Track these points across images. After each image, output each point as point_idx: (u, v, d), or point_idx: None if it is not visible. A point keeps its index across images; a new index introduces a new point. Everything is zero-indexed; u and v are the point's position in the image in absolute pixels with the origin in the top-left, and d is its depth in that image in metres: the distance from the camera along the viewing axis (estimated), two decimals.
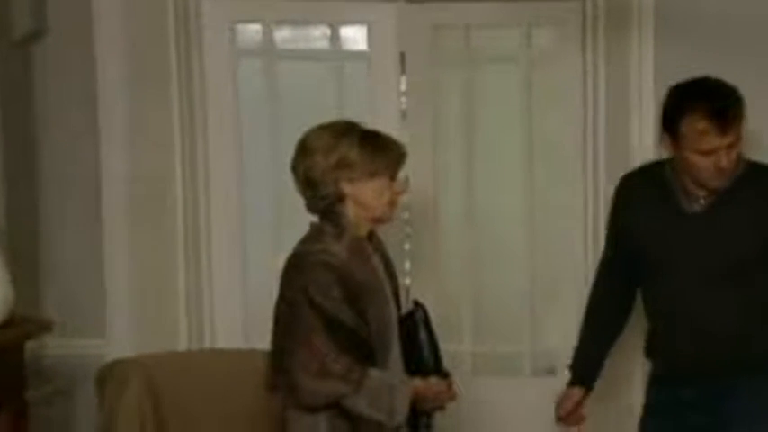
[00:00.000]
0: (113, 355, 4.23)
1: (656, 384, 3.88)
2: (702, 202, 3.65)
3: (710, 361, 3.65)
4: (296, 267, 3.41)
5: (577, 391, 3.90)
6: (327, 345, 3.30)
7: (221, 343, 4.59)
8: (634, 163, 4.43)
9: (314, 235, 3.45)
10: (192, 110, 4.54)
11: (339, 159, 3.39)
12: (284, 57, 4.75)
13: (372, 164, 3.39)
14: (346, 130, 3.43)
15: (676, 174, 3.67)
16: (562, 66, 4.61)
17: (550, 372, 4.67)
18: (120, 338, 4.47)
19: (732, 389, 3.64)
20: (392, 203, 3.47)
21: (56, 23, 4.55)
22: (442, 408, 3.54)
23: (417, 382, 3.44)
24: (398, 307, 3.56)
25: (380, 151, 3.42)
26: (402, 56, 4.65)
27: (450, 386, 3.52)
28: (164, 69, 4.48)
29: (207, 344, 4.60)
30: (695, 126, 3.52)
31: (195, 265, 4.57)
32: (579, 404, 3.91)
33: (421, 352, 3.51)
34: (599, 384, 3.96)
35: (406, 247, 4.69)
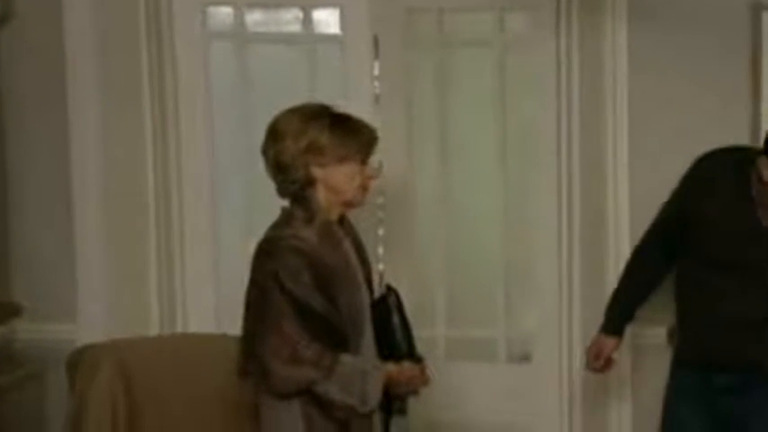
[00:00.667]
0: (84, 339, 4.20)
1: (685, 368, 3.91)
2: None
3: (750, 350, 3.69)
4: (266, 252, 3.39)
5: (613, 341, 4.06)
6: (298, 331, 3.29)
7: (193, 328, 4.57)
8: (607, 147, 4.44)
9: (284, 220, 3.43)
10: (162, 93, 4.51)
11: (309, 143, 3.37)
12: (256, 40, 4.72)
13: (343, 148, 3.37)
14: (316, 114, 3.41)
15: (761, 183, 3.71)
16: (536, 50, 4.60)
17: (525, 358, 4.67)
18: (92, 323, 4.44)
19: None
20: (363, 188, 3.45)
21: (23, 7, 4.50)
22: (415, 392, 3.53)
23: (390, 367, 3.43)
24: (371, 292, 3.55)
25: (351, 135, 3.40)
26: (375, 39, 4.63)
27: (423, 371, 3.51)
28: (134, 52, 4.44)
29: (179, 329, 4.57)
30: None
31: (167, 249, 4.55)
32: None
33: (394, 336, 3.50)
34: None
35: (380, 232, 4.67)
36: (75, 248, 4.51)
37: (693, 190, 3.92)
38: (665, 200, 4.12)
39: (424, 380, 3.52)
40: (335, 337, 3.36)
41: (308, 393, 3.34)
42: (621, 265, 4.36)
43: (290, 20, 4.77)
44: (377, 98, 4.63)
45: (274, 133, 3.43)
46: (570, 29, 4.51)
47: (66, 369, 3.96)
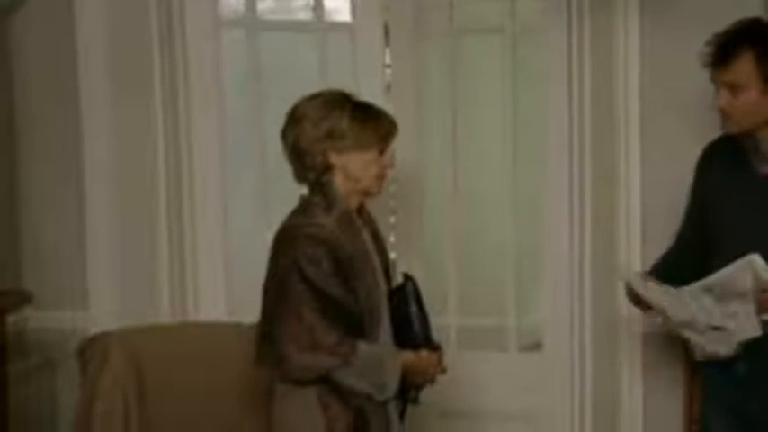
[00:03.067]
0: (95, 328, 4.21)
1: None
2: None
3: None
4: (286, 241, 3.38)
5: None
6: (317, 318, 3.28)
7: (204, 316, 4.57)
8: (619, 135, 4.43)
9: (303, 208, 3.43)
10: (174, 81, 4.50)
11: (329, 129, 3.36)
12: (267, 27, 4.72)
13: (362, 136, 3.37)
14: (338, 100, 3.40)
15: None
16: (547, 39, 4.57)
17: (536, 347, 4.66)
18: (102, 311, 4.45)
19: None
20: (380, 177, 3.45)
21: None
22: (432, 381, 3.52)
23: (408, 356, 3.43)
24: (389, 282, 3.55)
25: (371, 123, 3.39)
26: (386, 27, 4.62)
27: (440, 359, 3.50)
28: (146, 39, 4.44)
29: (190, 317, 4.57)
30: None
31: (178, 238, 4.54)
32: None
33: (411, 325, 3.49)
34: None
35: (392, 220, 4.67)
36: (86, 237, 4.51)
37: (695, 180, 3.86)
38: (677, 191, 4.09)
39: (441, 368, 3.51)
40: (353, 324, 3.35)
41: (325, 381, 3.34)
42: (632, 254, 4.35)
43: (300, 7, 4.78)
44: (388, 86, 4.62)
45: (294, 117, 3.42)
46: (581, 17, 4.49)
47: (77, 357, 3.96)
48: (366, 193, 3.46)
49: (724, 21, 4.19)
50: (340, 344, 3.30)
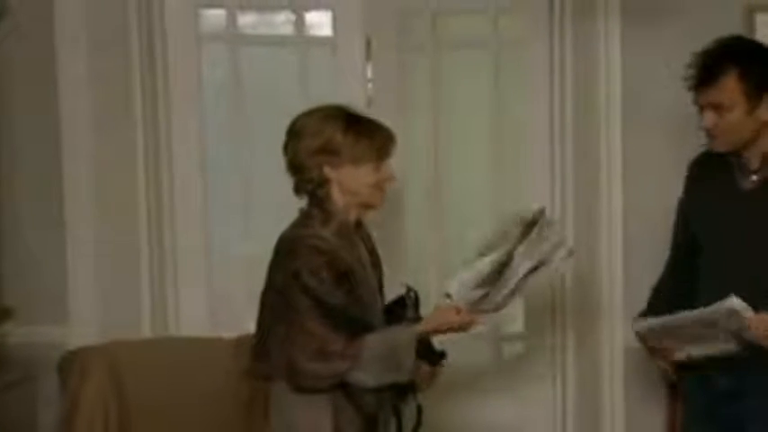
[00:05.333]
0: (76, 342, 4.18)
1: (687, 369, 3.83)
2: (755, 178, 3.57)
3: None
4: (286, 252, 3.38)
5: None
6: (322, 327, 3.29)
7: (185, 330, 4.56)
8: (600, 149, 4.44)
9: (302, 220, 3.44)
10: (154, 95, 4.50)
11: (323, 144, 3.37)
12: (248, 42, 4.72)
13: (355, 150, 3.38)
14: (332, 115, 3.41)
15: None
16: (529, 53, 4.61)
17: (518, 357, 4.67)
18: (83, 326, 4.43)
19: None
20: (378, 190, 3.45)
21: (16, 6, 4.48)
22: (464, 329, 3.43)
23: (419, 327, 3.39)
24: (382, 298, 3.55)
25: (365, 137, 3.39)
26: (367, 41, 4.62)
27: (458, 310, 3.39)
28: (126, 54, 4.43)
29: (171, 331, 4.56)
30: None
31: (159, 251, 4.53)
32: None
33: None
34: None
35: (374, 233, 4.66)
36: (67, 251, 4.49)
37: (683, 195, 3.85)
38: (658, 203, 4.09)
39: (466, 320, 3.40)
40: (359, 329, 3.34)
41: (338, 388, 3.34)
42: (614, 268, 4.37)
43: (282, 22, 4.77)
44: (369, 101, 4.62)
45: (292, 133, 3.45)
46: (563, 31, 4.52)
47: (58, 372, 3.94)
48: (366, 206, 3.47)
49: (705, 33, 4.21)
50: (347, 346, 3.29)
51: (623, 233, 4.42)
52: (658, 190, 4.15)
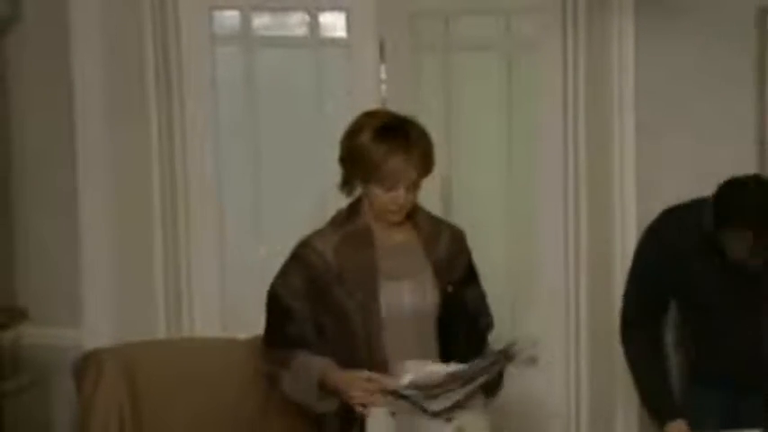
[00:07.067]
0: (90, 344, 4.18)
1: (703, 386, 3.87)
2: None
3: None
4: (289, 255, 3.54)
5: (683, 425, 3.81)
6: (270, 324, 3.52)
7: (199, 332, 4.56)
8: (614, 150, 4.43)
9: (328, 222, 3.54)
10: (169, 97, 4.50)
11: (344, 152, 3.46)
12: (262, 43, 4.71)
13: (363, 169, 3.41)
14: (362, 128, 3.43)
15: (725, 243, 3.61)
16: (542, 53, 4.59)
17: (531, 361, 4.65)
18: (97, 328, 4.44)
19: None
20: (385, 211, 3.47)
21: (30, 10, 4.50)
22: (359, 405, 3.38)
23: (330, 374, 3.42)
24: (444, 287, 3.54)
25: (374, 162, 3.40)
26: (381, 43, 4.62)
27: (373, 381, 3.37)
28: (141, 55, 4.44)
29: (185, 333, 4.56)
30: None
31: (173, 253, 4.54)
32: None
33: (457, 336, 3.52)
34: None
35: None
36: (81, 253, 4.50)
37: (660, 264, 3.84)
38: (671, 202, 4.07)
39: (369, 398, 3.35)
40: (305, 340, 3.47)
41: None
42: (628, 267, 4.36)
43: (296, 23, 4.77)
44: (383, 102, 4.62)
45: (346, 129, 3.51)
46: (577, 31, 4.50)
47: (72, 374, 3.94)
48: (378, 218, 3.51)
49: (718, 32, 4.22)
50: (280, 351, 3.47)
51: (637, 232, 4.40)
52: (674, 188, 4.14)
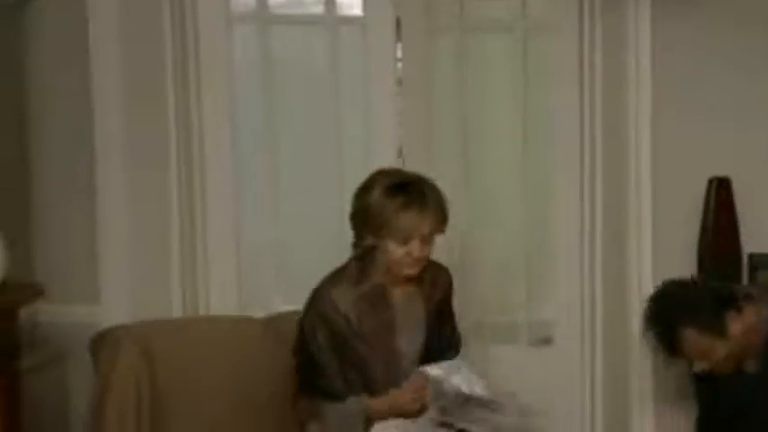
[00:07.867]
0: (107, 321, 4.20)
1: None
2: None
3: None
4: (309, 305, 3.66)
5: None
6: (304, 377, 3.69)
7: (215, 310, 4.56)
8: (630, 132, 4.43)
9: (339, 271, 3.63)
10: (186, 76, 4.49)
11: (356, 210, 3.57)
12: (278, 22, 4.70)
13: (376, 225, 3.45)
14: (373, 185, 3.53)
15: None
16: (558, 34, 4.58)
17: (546, 341, 4.67)
18: (115, 305, 4.44)
19: None
20: (402, 265, 3.52)
21: None
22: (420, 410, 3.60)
23: (372, 404, 3.60)
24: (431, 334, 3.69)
25: (388, 217, 3.46)
26: (398, 21, 4.61)
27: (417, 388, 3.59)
28: (157, 34, 4.43)
29: (201, 311, 4.57)
30: None
31: (190, 231, 4.53)
32: None
33: None
34: None
35: None
36: (98, 231, 4.50)
37: None
38: (688, 189, 4.08)
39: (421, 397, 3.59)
40: (335, 389, 3.60)
41: None
42: (643, 250, 4.36)
43: (312, 2, 4.76)
44: (399, 80, 4.62)
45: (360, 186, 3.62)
46: (593, 12, 4.50)
47: (90, 351, 3.96)
48: (393, 275, 3.59)
49: (735, 16, 4.21)
50: (310, 401, 3.64)
51: (653, 218, 4.41)
52: (689, 176, 4.14)
